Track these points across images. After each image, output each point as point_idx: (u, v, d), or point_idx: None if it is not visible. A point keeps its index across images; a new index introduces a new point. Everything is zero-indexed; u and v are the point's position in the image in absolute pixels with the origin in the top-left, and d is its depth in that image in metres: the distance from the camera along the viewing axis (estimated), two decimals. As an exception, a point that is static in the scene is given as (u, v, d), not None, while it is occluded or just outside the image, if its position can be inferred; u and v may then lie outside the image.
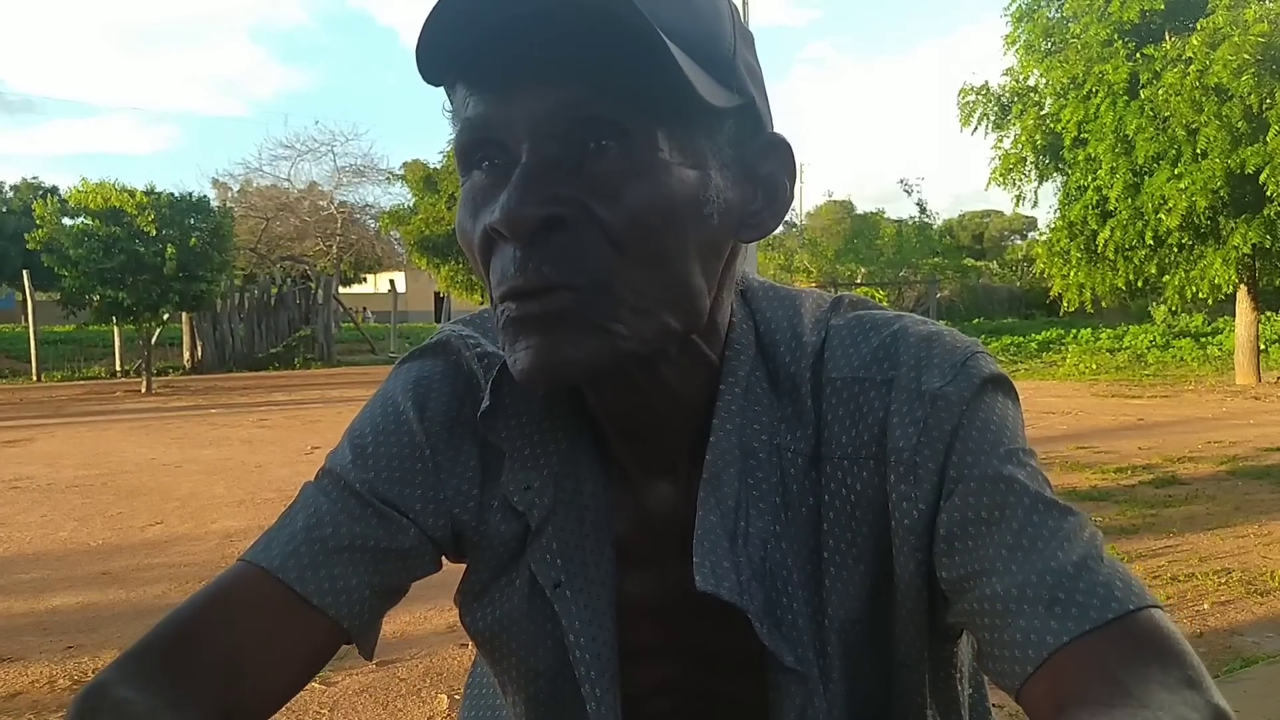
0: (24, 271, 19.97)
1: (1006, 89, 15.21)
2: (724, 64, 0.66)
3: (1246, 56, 11.79)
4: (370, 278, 38.15)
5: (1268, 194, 12.21)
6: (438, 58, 0.64)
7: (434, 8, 0.61)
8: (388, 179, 31.31)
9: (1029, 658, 0.61)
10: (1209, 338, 20.32)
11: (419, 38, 0.62)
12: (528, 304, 0.63)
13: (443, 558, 0.81)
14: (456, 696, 3.00)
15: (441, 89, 0.69)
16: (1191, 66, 12.34)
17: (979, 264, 36.16)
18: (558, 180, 0.62)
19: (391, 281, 30.13)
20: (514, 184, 0.61)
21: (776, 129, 0.73)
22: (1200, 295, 13.86)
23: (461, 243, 0.68)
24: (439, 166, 25.61)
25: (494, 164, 0.65)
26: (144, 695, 0.66)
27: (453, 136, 0.68)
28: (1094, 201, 13.97)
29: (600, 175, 0.63)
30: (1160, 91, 12.86)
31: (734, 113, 0.68)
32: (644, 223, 0.63)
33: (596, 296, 0.63)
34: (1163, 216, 13.02)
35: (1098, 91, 13.62)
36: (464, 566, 0.84)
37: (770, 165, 0.71)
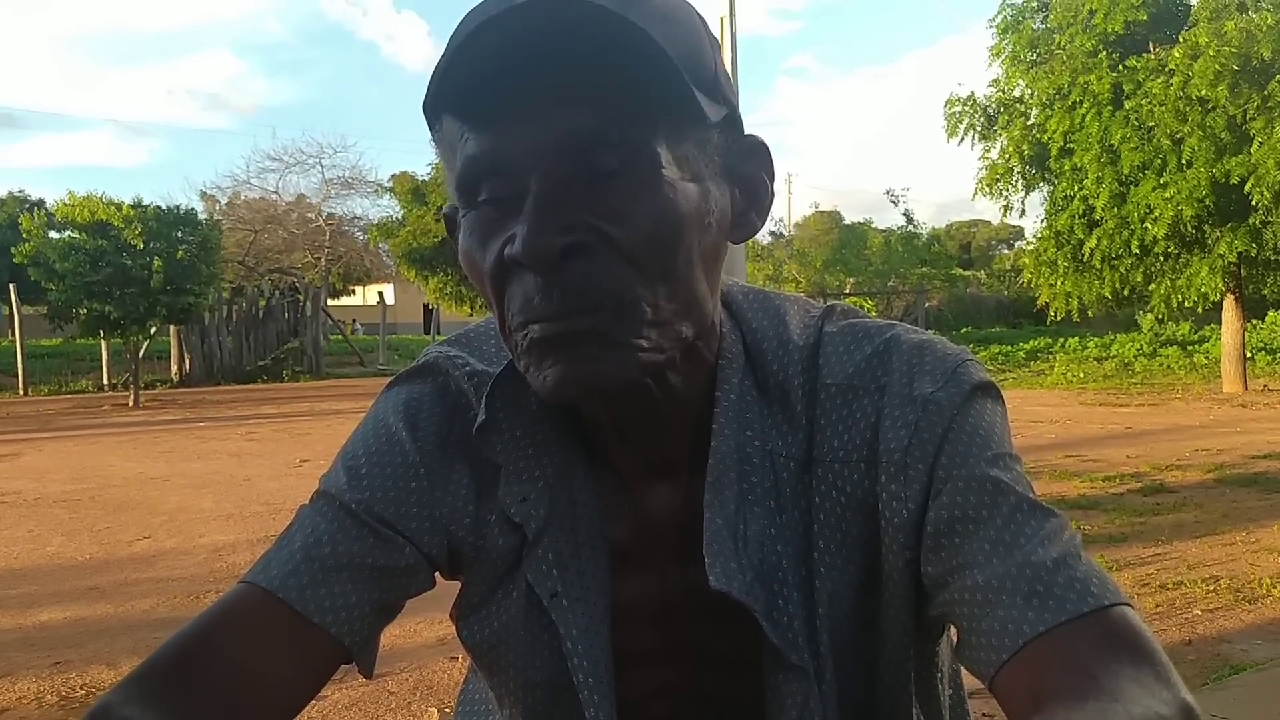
0: (10, 285, 19.85)
1: (993, 100, 15.32)
2: (709, 77, 0.68)
3: (1220, 67, 11.90)
4: (359, 290, 38.00)
5: (1253, 203, 12.31)
6: (443, 96, 0.65)
7: (456, 48, 0.62)
8: (376, 191, 31.14)
9: (1004, 645, 0.63)
10: (1196, 346, 20.44)
11: (442, 74, 0.63)
12: (554, 324, 0.64)
13: (436, 574, 0.82)
14: (447, 710, 2.99)
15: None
16: (1174, 78, 12.44)
17: (967, 273, 36.27)
18: (571, 207, 0.63)
19: (380, 293, 30.05)
20: (531, 215, 0.62)
21: (764, 138, 0.75)
22: (1187, 303, 13.96)
23: (469, 271, 0.69)
24: (427, 179, 25.61)
25: (499, 195, 0.65)
26: (149, 716, 0.66)
27: (452, 170, 0.68)
28: (1080, 211, 14.06)
29: (611, 197, 0.64)
30: (1144, 102, 12.97)
31: (720, 122, 0.70)
32: (656, 239, 0.64)
33: (620, 317, 0.64)
34: (1149, 225, 13.11)
35: (1083, 102, 13.73)
36: (456, 580, 0.84)
37: (752, 167, 0.73)
